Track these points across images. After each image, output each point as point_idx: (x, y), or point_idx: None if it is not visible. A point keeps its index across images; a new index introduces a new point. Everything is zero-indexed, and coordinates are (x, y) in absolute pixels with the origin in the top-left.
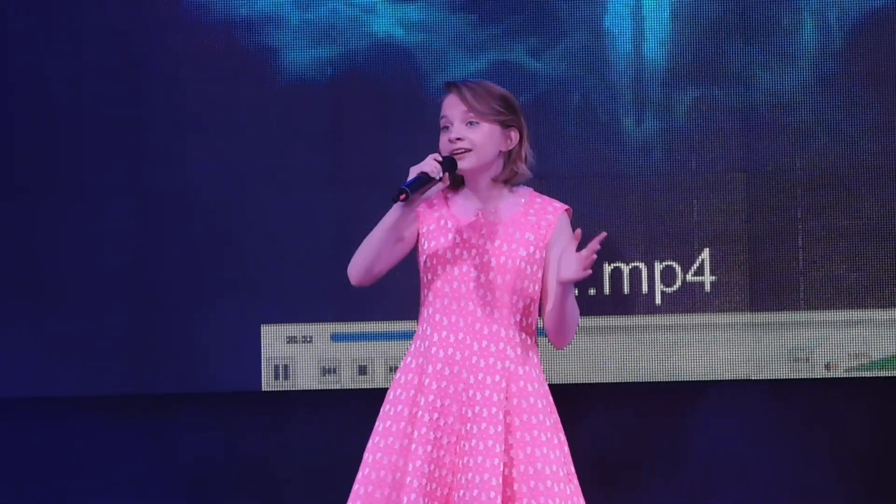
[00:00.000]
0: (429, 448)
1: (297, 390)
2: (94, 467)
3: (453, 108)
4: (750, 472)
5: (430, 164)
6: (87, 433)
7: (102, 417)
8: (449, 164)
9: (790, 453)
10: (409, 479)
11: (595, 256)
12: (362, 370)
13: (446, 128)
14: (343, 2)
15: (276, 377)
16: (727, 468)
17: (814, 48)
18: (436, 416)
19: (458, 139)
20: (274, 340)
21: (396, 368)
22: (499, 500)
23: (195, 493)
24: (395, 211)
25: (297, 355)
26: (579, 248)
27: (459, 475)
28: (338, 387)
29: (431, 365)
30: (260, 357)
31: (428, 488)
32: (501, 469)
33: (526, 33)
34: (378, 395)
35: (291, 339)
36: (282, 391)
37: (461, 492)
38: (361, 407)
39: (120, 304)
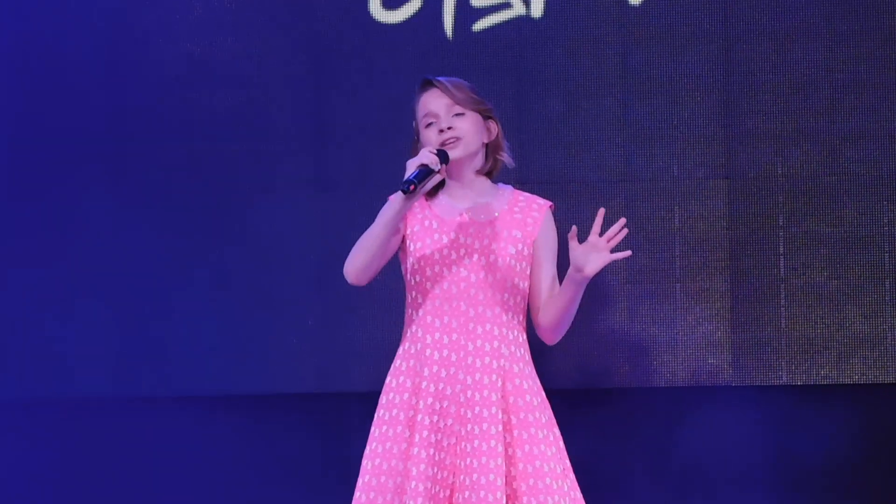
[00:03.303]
0: (430, 451)
1: (285, 393)
2: (84, 470)
3: (437, 100)
4: (731, 478)
5: (429, 157)
6: (78, 435)
7: (90, 419)
8: (442, 157)
9: (771, 459)
10: (413, 483)
11: (619, 238)
12: (349, 371)
13: (431, 123)
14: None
15: (261, 379)
16: (708, 475)
17: (795, 55)
18: (435, 418)
19: (450, 128)
20: (260, 341)
21: (383, 370)
22: (504, 500)
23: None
24: (394, 205)
25: (284, 356)
26: (580, 238)
27: (462, 476)
28: (324, 390)
29: (427, 367)
30: (248, 358)
31: (433, 491)
32: (504, 469)
33: (514, 41)
34: (364, 398)
35: (278, 340)
36: (268, 394)
37: (466, 493)
38: (349, 410)
39: (102, 305)
